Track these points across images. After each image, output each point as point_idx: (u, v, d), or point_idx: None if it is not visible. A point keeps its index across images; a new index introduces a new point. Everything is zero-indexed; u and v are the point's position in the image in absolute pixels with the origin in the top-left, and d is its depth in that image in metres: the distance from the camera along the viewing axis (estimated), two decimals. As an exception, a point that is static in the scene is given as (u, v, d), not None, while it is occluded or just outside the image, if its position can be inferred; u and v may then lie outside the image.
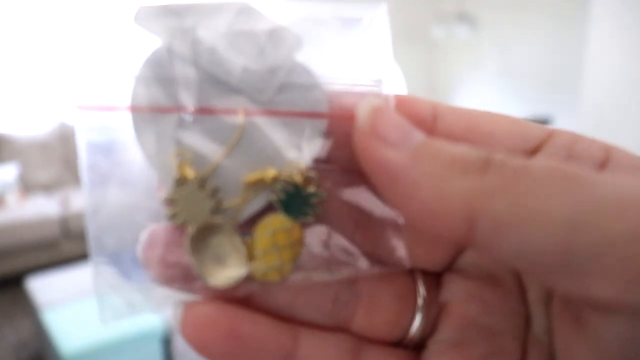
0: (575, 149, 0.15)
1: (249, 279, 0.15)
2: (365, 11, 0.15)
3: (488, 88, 3.70)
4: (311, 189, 0.15)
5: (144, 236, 0.15)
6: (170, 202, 0.14)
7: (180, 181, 0.14)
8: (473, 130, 0.15)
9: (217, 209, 0.14)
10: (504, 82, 3.58)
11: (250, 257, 0.15)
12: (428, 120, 0.15)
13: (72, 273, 1.82)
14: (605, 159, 0.15)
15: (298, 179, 0.15)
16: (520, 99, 3.45)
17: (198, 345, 0.14)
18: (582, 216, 0.11)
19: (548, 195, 0.12)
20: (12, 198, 2.52)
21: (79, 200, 2.61)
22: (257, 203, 0.15)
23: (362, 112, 0.14)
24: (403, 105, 0.15)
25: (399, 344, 0.17)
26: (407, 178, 0.13)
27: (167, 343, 1.51)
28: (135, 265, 0.15)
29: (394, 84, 0.15)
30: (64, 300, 1.59)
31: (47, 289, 1.68)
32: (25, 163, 2.71)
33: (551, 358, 0.15)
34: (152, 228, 0.15)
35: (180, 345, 1.52)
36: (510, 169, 0.12)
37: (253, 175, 0.14)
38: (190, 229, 0.14)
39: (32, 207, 2.49)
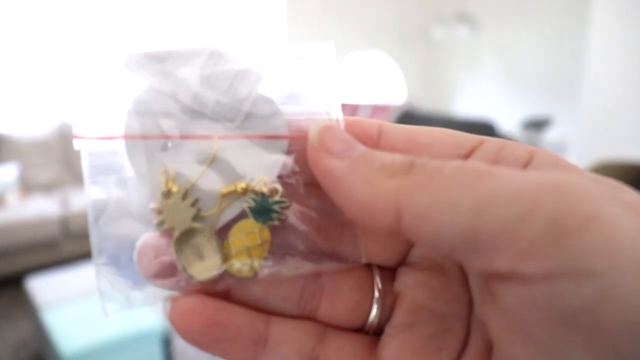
0: (502, 153, 0.17)
1: (226, 275, 0.17)
2: (315, 49, 0.18)
3: (488, 88, 3.69)
4: (276, 197, 0.18)
5: (138, 243, 0.17)
6: (158, 211, 0.17)
7: (166, 194, 0.17)
8: (412, 143, 0.18)
9: (197, 217, 0.17)
10: (504, 83, 3.58)
11: (226, 256, 0.17)
12: (374, 137, 0.18)
13: (72, 273, 1.82)
14: (529, 159, 0.17)
15: (265, 190, 0.18)
16: (520, 99, 3.45)
17: (183, 331, 0.17)
18: (483, 203, 0.13)
19: (457, 188, 0.14)
20: (12, 198, 2.52)
21: (79, 200, 2.61)
22: (231, 211, 0.18)
23: (313, 131, 0.17)
24: (353, 125, 0.18)
25: (359, 330, 0.19)
26: (347, 182, 0.16)
27: (167, 343, 1.51)
28: (131, 265, 0.17)
29: (340, 108, 0.18)
30: (64, 300, 1.59)
31: (47, 289, 1.68)
32: (25, 163, 2.71)
33: (489, 336, 0.17)
34: (145, 235, 0.17)
35: (180, 345, 1.52)
36: (428, 170, 0.15)
37: (227, 188, 0.18)
38: (175, 233, 0.17)
39: (32, 207, 2.49)
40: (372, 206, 0.15)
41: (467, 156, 0.18)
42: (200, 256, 0.17)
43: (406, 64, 3.94)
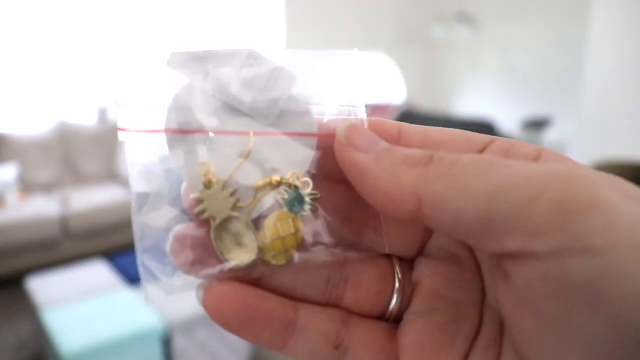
0: (512, 150, 0.18)
1: (260, 262, 0.18)
2: (342, 55, 0.20)
3: (488, 88, 3.70)
4: (307, 190, 0.19)
5: (174, 232, 0.18)
6: (199, 201, 0.18)
7: (207, 185, 0.18)
8: (429, 141, 0.19)
9: (235, 207, 0.18)
10: (504, 83, 3.58)
11: (262, 244, 0.18)
12: (395, 135, 0.19)
13: (72, 273, 1.82)
14: (537, 156, 0.18)
15: (297, 183, 0.19)
16: (521, 100, 3.45)
17: (217, 316, 0.18)
18: (495, 190, 0.15)
19: (473, 177, 0.15)
20: (12, 198, 2.52)
21: (79, 200, 2.61)
22: (266, 202, 0.19)
23: (340, 129, 0.19)
24: (375, 125, 0.19)
25: (380, 317, 0.20)
26: (371, 173, 0.17)
27: (167, 343, 1.51)
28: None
29: (364, 109, 0.20)
30: (64, 300, 1.59)
31: (47, 289, 1.68)
32: (25, 163, 2.71)
33: (501, 321, 0.18)
34: (180, 226, 0.18)
35: (180, 345, 1.52)
36: (446, 162, 0.16)
37: (262, 181, 0.19)
38: (216, 221, 0.18)
39: (32, 207, 2.49)
40: (394, 195, 0.16)
41: (479, 153, 0.19)
42: (238, 244, 0.18)
43: (406, 64, 3.94)
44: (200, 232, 0.18)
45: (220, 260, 0.18)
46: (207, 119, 0.18)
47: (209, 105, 0.19)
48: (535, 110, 3.25)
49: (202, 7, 3.26)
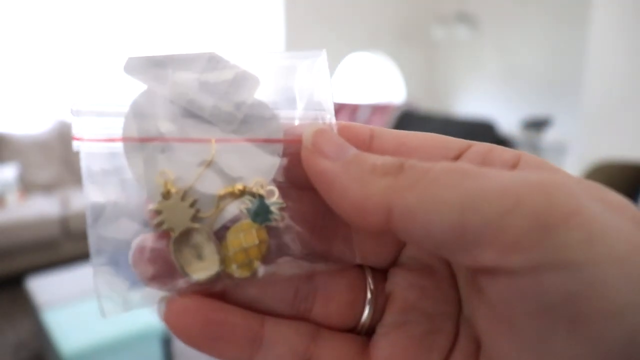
0: (489, 156, 0.18)
1: (223, 275, 0.18)
2: (309, 56, 0.19)
3: (488, 89, 3.70)
4: (272, 199, 0.18)
5: (134, 243, 0.17)
6: (157, 212, 0.17)
7: (165, 195, 0.17)
8: (402, 147, 0.18)
9: (196, 218, 0.18)
10: (504, 83, 3.58)
11: (224, 256, 0.18)
12: (366, 140, 0.18)
13: (72, 273, 1.82)
14: (515, 162, 0.17)
15: (262, 191, 0.18)
16: (521, 100, 3.45)
17: (179, 331, 0.17)
18: (469, 201, 0.14)
19: (445, 187, 0.14)
20: (12, 198, 2.52)
21: (79, 200, 2.61)
22: (228, 212, 0.18)
23: (307, 134, 0.17)
24: (345, 129, 0.18)
25: (352, 330, 0.20)
26: (339, 182, 0.16)
27: (167, 343, 1.51)
28: (129, 267, 0.18)
29: (333, 113, 0.19)
30: (64, 300, 1.59)
31: (47, 289, 1.68)
32: (25, 163, 2.71)
33: (477, 335, 0.17)
34: (141, 237, 0.17)
35: (180, 345, 1.52)
36: (417, 170, 0.15)
37: (225, 189, 0.18)
38: (174, 233, 0.17)
39: (32, 207, 2.49)
40: (363, 205, 0.16)
41: (455, 159, 0.18)
42: (199, 256, 0.17)
43: (406, 64, 3.94)
44: (160, 244, 0.17)
45: (181, 274, 0.17)
46: (166, 126, 0.18)
47: (168, 112, 0.18)
48: (535, 110, 3.25)
49: (201, 9, 3.25)
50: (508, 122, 3.34)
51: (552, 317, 0.13)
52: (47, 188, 2.79)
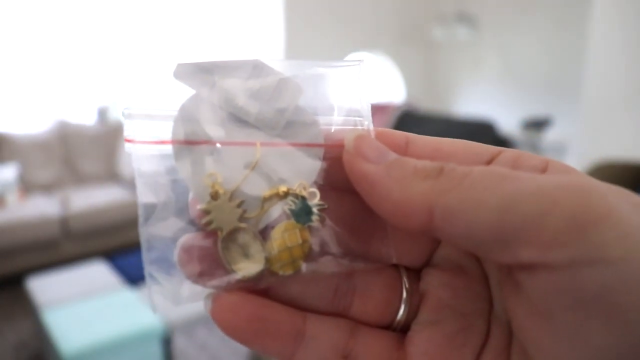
0: (519, 161, 0.18)
1: (268, 273, 0.18)
2: (348, 64, 0.20)
3: (488, 89, 3.70)
4: (314, 200, 0.19)
5: (178, 243, 0.18)
6: (206, 212, 0.18)
7: (214, 196, 0.18)
8: (437, 152, 0.19)
9: (242, 218, 0.18)
10: (504, 83, 3.58)
11: (269, 255, 0.18)
12: (402, 146, 0.19)
13: (72, 273, 1.82)
14: (544, 167, 0.18)
15: (304, 193, 0.19)
16: (521, 100, 3.45)
17: (226, 327, 0.18)
18: (508, 202, 0.15)
19: (484, 189, 0.15)
20: (12, 198, 2.52)
21: (79, 200, 2.61)
22: (273, 213, 0.19)
23: (348, 139, 0.18)
24: (382, 135, 0.19)
25: (388, 326, 0.20)
26: (382, 184, 0.17)
27: (167, 343, 1.51)
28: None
29: (370, 119, 0.20)
30: (64, 300, 1.59)
31: (47, 289, 1.68)
32: (25, 163, 2.71)
33: (509, 332, 0.18)
34: (186, 236, 0.18)
35: (180, 345, 1.52)
36: (457, 173, 0.16)
37: (269, 191, 0.19)
38: (223, 232, 0.18)
39: (32, 207, 2.49)
40: (405, 206, 0.16)
41: (486, 164, 0.19)
42: (245, 255, 0.18)
43: (406, 64, 3.94)
44: (206, 242, 0.18)
45: (228, 271, 0.18)
46: (214, 130, 0.19)
47: (216, 116, 0.19)
48: (535, 110, 3.25)
49: (201, 10, 3.25)
50: (508, 122, 3.34)
51: (588, 309, 0.14)
52: (47, 188, 2.79)
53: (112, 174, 3.01)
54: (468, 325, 0.19)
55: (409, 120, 3.48)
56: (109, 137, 3.00)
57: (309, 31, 3.38)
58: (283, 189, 0.19)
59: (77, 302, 1.58)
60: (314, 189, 0.19)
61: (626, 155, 2.01)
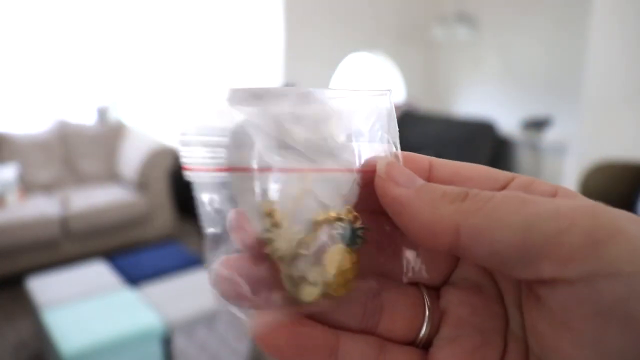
0: (531, 187, 0.20)
1: (326, 296, 0.19)
2: (379, 95, 0.21)
3: (488, 88, 3.70)
4: (359, 224, 0.20)
5: (216, 264, 0.19)
6: (267, 240, 0.18)
7: (275, 224, 0.19)
8: (457, 175, 0.21)
9: (299, 243, 0.19)
10: (504, 83, 3.58)
11: (325, 279, 0.19)
12: (426, 169, 0.21)
13: (72, 273, 1.82)
14: (554, 192, 0.20)
15: (350, 217, 0.20)
16: (521, 100, 3.45)
17: (269, 345, 0.19)
18: (530, 222, 0.16)
19: (507, 211, 0.17)
20: (12, 198, 2.52)
21: (79, 200, 2.61)
22: (322, 237, 0.19)
23: (380, 165, 0.20)
24: (409, 160, 0.21)
25: (412, 343, 0.22)
26: (412, 207, 0.19)
27: (167, 343, 1.51)
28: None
29: (398, 145, 0.21)
30: (64, 300, 1.60)
31: (47, 289, 1.68)
32: (25, 163, 2.71)
33: (525, 347, 0.20)
34: (224, 257, 0.19)
35: (180, 345, 1.52)
36: (481, 197, 0.18)
37: (321, 216, 0.19)
38: (285, 259, 0.19)
39: (32, 207, 2.50)
40: (435, 226, 0.18)
41: (502, 188, 0.21)
42: (304, 280, 0.19)
43: (406, 64, 3.94)
44: (257, 269, 0.19)
45: (287, 297, 0.19)
46: (267, 157, 0.19)
47: (265, 142, 0.19)
48: (535, 110, 3.25)
49: (201, 10, 3.25)
50: (508, 122, 3.34)
51: (605, 318, 0.16)
52: (47, 188, 2.79)
53: (112, 174, 3.01)
54: (486, 342, 0.20)
55: (409, 120, 3.48)
56: (108, 137, 3.00)
57: (309, 31, 3.38)
58: (333, 214, 0.19)
59: (77, 302, 1.58)
60: (356, 213, 0.20)
61: (626, 155, 2.01)
